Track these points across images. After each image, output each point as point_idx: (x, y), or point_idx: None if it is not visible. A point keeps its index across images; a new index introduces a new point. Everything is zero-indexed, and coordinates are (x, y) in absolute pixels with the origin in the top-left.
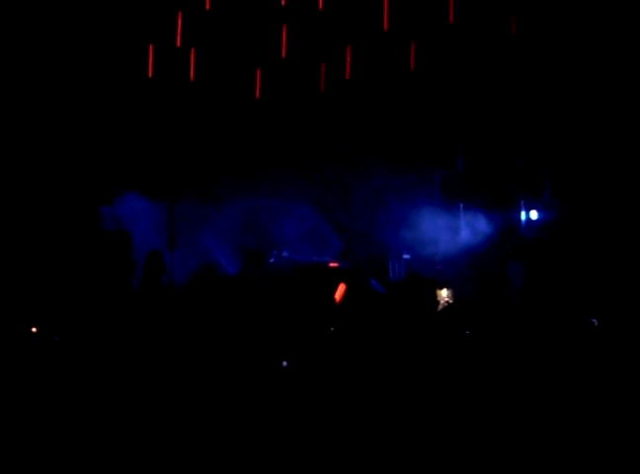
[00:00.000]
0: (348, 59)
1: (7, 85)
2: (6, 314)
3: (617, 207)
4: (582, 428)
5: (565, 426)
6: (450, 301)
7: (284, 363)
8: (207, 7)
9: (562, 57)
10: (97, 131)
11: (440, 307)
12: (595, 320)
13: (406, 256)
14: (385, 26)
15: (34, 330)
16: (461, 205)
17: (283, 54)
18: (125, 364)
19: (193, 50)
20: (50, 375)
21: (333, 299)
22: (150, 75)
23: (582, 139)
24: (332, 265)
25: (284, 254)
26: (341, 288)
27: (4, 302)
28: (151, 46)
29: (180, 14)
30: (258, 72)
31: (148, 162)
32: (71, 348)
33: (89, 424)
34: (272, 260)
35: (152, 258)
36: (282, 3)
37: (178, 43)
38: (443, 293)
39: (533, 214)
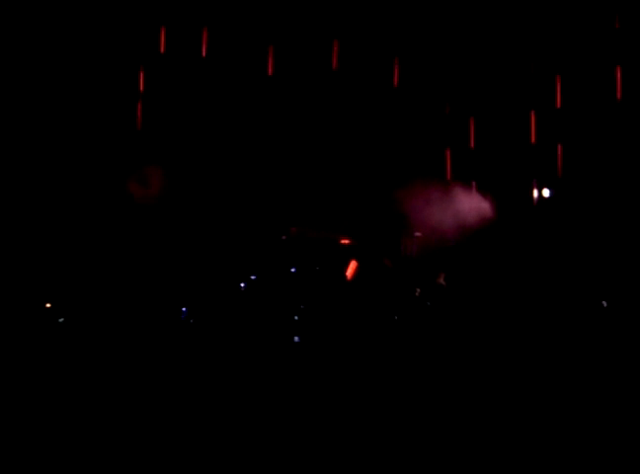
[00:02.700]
0: (360, 37)
1: (30, 67)
2: (21, 289)
3: (631, 187)
4: (591, 413)
5: (574, 412)
6: (443, 284)
7: (296, 339)
8: None
9: (576, 31)
10: (111, 107)
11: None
12: (605, 302)
13: (417, 233)
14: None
15: (48, 305)
16: (474, 183)
17: (296, 32)
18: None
19: (205, 27)
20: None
21: (344, 276)
22: (162, 51)
23: (596, 115)
24: (344, 241)
25: (296, 230)
26: (352, 265)
27: (20, 278)
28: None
29: None
30: (270, 49)
31: (161, 138)
32: (77, 328)
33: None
34: (283, 237)
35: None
36: None
37: (189, 21)
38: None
39: (545, 192)
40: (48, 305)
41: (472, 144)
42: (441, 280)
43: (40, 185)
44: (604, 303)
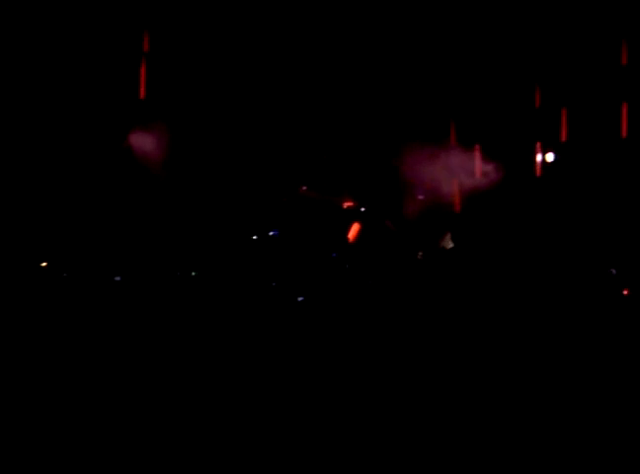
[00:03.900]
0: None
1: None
2: (15, 247)
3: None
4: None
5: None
6: (448, 245)
7: (300, 299)
8: None
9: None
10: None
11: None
12: (614, 270)
13: (420, 196)
14: None
15: (43, 264)
16: (477, 147)
17: None
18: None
19: None
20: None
21: (346, 239)
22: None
23: (602, 81)
24: (346, 204)
25: (299, 192)
26: (355, 228)
27: (14, 235)
28: None
29: None
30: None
31: (164, 97)
32: (80, 286)
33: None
34: (285, 199)
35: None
36: None
37: None
38: (447, 238)
39: (549, 157)
40: (44, 264)
41: (477, 107)
42: (447, 241)
43: (38, 142)
44: (614, 271)
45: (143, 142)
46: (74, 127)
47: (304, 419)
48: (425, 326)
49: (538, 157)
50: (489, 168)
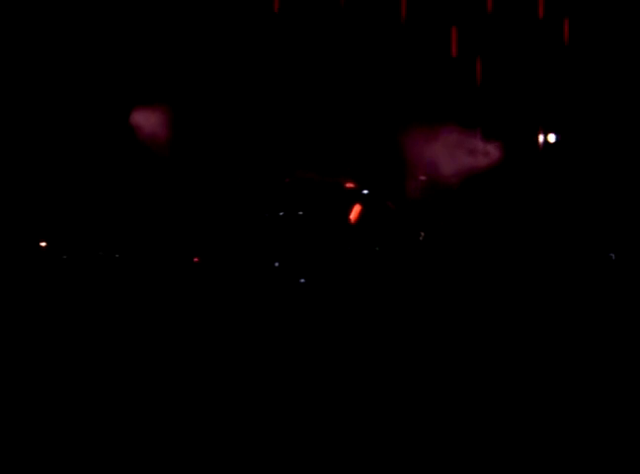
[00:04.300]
0: None
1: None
2: (14, 228)
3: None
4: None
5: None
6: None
7: (302, 280)
8: None
9: None
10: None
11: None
12: (613, 254)
13: (421, 177)
14: None
15: (43, 244)
16: (479, 128)
17: None
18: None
19: None
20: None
21: (348, 220)
22: None
23: (604, 60)
24: (348, 185)
25: (301, 174)
26: (356, 209)
27: (13, 216)
28: None
29: None
30: None
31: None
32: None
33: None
34: (287, 180)
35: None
36: None
37: None
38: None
39: (551, 138)
40: (43, 244)
41: (478, 87)
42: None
43: (43, 123)
44: (612, 255)
45: (147, 122)
46: (78, 108)
47: (304, 401)
48: (426, 306)
49: (540, 138)
50: (490, 148)
